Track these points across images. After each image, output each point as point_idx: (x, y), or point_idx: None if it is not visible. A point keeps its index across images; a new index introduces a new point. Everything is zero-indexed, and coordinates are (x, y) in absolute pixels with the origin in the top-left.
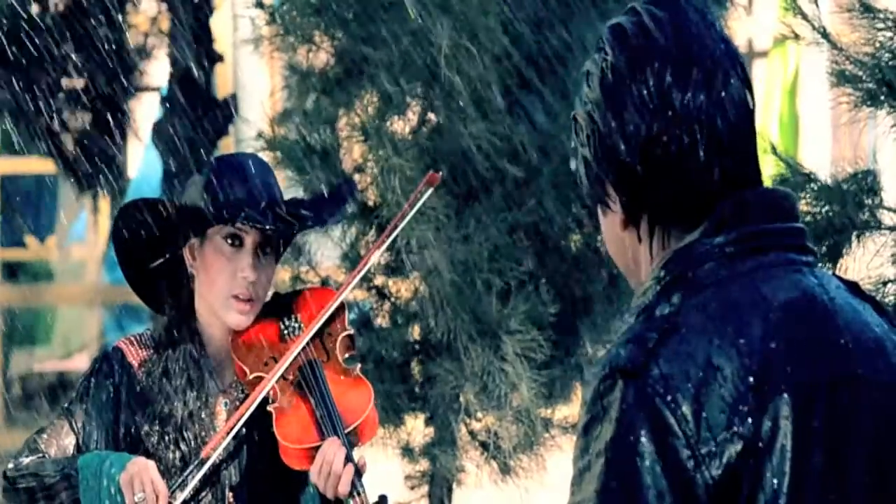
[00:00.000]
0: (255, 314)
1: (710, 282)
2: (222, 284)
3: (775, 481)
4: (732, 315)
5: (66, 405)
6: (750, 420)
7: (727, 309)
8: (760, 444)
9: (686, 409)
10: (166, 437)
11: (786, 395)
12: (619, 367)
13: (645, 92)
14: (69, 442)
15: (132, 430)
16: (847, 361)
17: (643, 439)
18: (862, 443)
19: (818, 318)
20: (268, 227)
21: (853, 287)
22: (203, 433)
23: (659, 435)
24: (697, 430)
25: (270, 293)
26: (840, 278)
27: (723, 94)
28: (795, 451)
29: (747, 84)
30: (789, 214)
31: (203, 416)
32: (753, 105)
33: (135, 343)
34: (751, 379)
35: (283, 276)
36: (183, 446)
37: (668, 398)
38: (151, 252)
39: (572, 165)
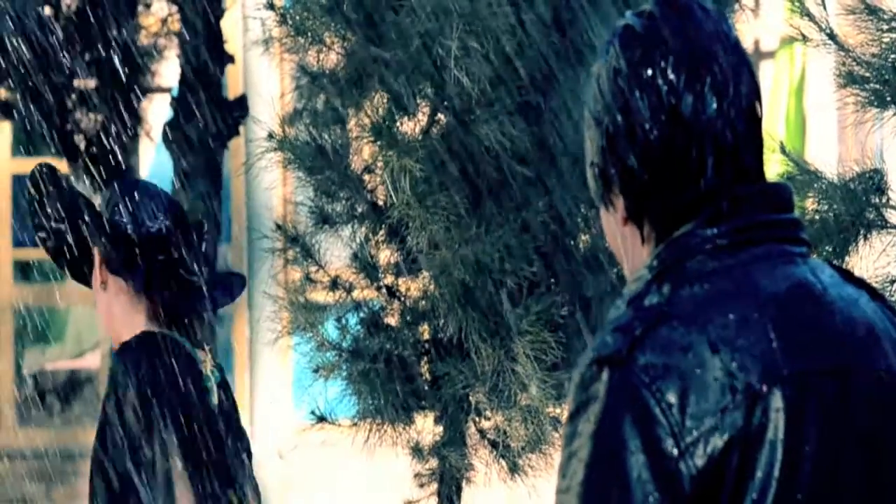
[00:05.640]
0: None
1: (702, 273)
2: None
3: (764, 474)
4: (723, 306)
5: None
6: (738, 412)
7: (718, 300)
8: (748, 437)
9: (671, 398)
10: None
11: (778, 388)
12: (604, 355)
13: (654, 98)
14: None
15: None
16: (840, 352)
17: (627, 428)
18: (855, 433)
19: (811, 308)
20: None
21: (848, 275)
22: None
23: (643, 424)
24: (682, 419)
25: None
26: (834, 266)
27: (733, 103)
28: (787, 443)
29: (756, 93)
30: (784, 206)
31: None
32: (761, 114)
33: None
34: (740, 371)
35: (293, 276)
36: None
37: (654, 387)
38: None
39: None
